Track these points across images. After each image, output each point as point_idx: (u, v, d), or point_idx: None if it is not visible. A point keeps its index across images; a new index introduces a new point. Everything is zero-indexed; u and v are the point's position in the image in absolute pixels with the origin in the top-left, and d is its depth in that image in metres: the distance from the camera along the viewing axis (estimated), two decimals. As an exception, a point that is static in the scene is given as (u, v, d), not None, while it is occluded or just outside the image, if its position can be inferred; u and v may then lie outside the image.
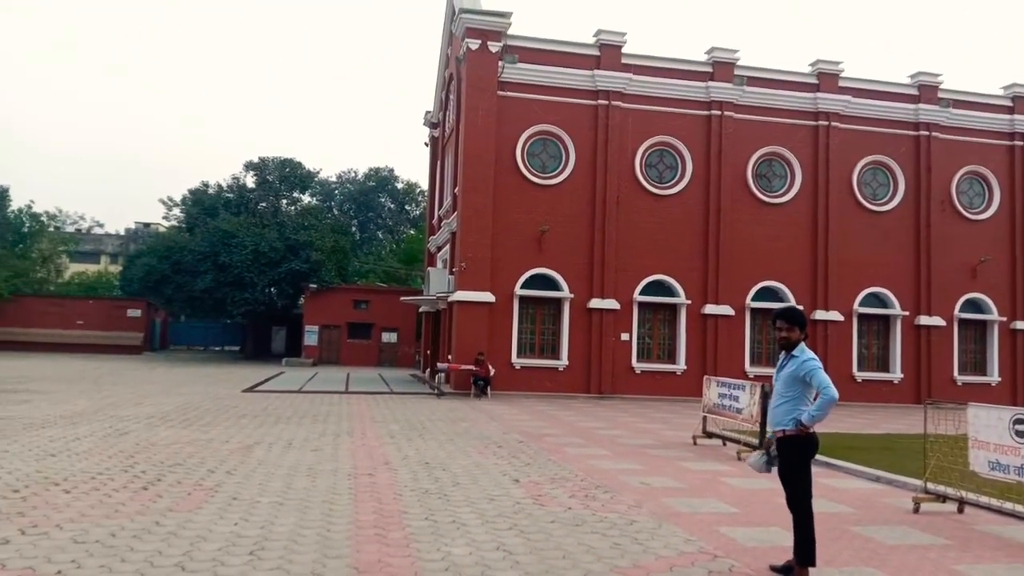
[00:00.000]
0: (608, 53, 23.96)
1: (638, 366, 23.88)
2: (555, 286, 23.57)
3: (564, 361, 23.43)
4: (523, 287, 23.29)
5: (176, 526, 6.25)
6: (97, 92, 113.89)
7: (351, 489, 8.06)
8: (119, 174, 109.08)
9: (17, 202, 48.15)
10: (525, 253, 23.32)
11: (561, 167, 23.92)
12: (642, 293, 24.02)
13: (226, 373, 28.97)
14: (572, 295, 23.47)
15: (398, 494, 7.91)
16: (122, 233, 67.61)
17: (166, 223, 49.65)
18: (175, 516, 6.58)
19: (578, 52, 24.06)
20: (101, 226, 65.38)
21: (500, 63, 23.20)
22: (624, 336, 23.73)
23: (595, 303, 23.48)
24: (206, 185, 45.53)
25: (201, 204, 43.77)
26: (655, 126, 24.41)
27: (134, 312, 44.04)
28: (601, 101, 23.90)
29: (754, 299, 24.69)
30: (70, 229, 57.69)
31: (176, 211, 46.73)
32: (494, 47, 23.13)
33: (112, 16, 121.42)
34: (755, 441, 11.72)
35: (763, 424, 11.46)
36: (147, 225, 62.52)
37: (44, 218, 50.80)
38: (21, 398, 16.43)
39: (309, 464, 9.49)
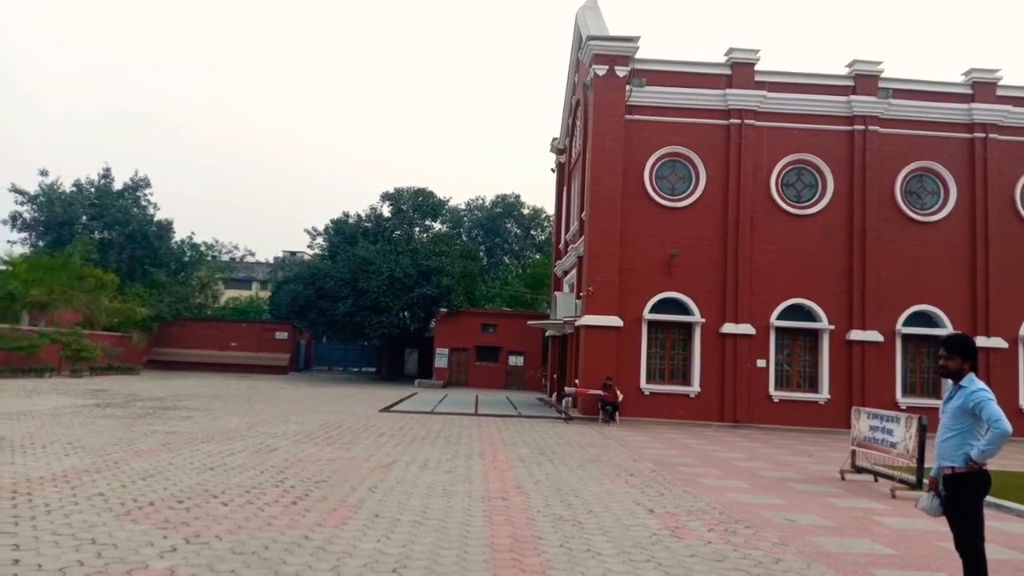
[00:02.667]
0: (740, 71, 23.34)
1: (776, 394, 22.80)
2: (686, 310, 22.99)
3: (695, 388, 22.74)
4: (652, 311, 22.88)
5: (323, 541, 6.53)
6: (246, 132, 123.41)
7: (485, 512, 8.14)
8: (268, 206, 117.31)
9: (180, 233, 52.77)
10: (654, 277, 22.93)
11: (691, 189, 23.43)
12: (779, 318, 22.98)
13: (364, 393, 30.18)
14: (703, 320, 22.81)
15: (531, 519, 7.90)
16: (271, 261, 72.36)
17: (310, 251, 52.72)
18: (322, 531, 6.88)
19: (708, 72, 23.58)
20: (252, 255, 70.64)
21: (628, 87, 23.12)
22: (760, 363, 22.76)
23: (728, 328, 22.69)
24: (346, 215, 48.01)
25: (342, 233, 46.15)
26: (792, 144, 23.47)
27: (281, 335, 46.95)
28: (733, 120, 23.27)
29: (905, 324, 23.02)
30: (225, 258, 62.49)
31: (319, 240, 49.61)
32: (621, 71, 23.10)
33: (259, 57, 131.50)
34: (912, 478, 10.87)
35: (920, 460, 10.63)
36: (293, 253, 66.55)
37: (203, 248, 55.22)
38: (183, 415, 17.81)
39: (444, 485, 9.67)
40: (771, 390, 22.80)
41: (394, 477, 10.10)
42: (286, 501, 8.17)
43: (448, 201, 52.27)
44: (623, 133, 22.98)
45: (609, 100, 23.10)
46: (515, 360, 41.37)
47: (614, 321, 22.40)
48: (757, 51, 23.47)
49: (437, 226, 51.44)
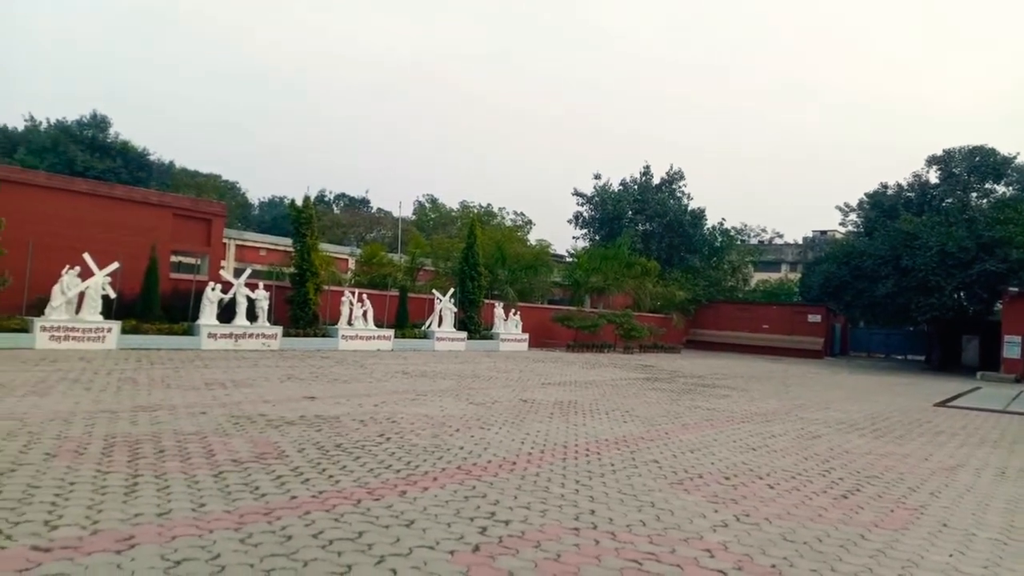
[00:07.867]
0: None
1: None
2: None
3: None
4: None
5: (882, 544, 5.86)
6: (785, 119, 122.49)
7: (1106, 545, 6.29)
8: (798, 187, 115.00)
9: (711, 220, 55.38)
10: None
11: None
12: None
13: (911, 384, 27.15)
14: None
15: None
16: (800, 242, 70.89)
17: (843, 229, 49.89)
18: (879, 533, 6.19)
19: None
20: (781, 237, 70.19)
21: None
22: None
23: None
24: (884, 187, 44.09)
25: (879, 207, 42.55)
26: None
27: (814, 317, 45.47)
28: None
29: None
30: (754, 242, 63.41)
31: (852, 216, 46.56)
32: None
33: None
34: None
35: None
36: (824, 233, 64.08)
37: (732, 233, 56.95)
38: (720, 393, 18.45)
39: (1034, 502, 7.87)
40: None
41: (962, 483, 8.63)
42: (835, 493, 7.63)
43: (1015, 158, 43.52)
44: None
45: None
46: None
47: None
48: None
49: (1001, 189, 43.28)
